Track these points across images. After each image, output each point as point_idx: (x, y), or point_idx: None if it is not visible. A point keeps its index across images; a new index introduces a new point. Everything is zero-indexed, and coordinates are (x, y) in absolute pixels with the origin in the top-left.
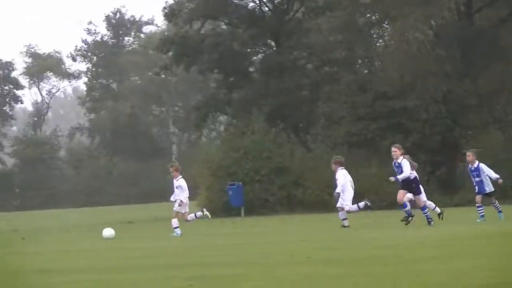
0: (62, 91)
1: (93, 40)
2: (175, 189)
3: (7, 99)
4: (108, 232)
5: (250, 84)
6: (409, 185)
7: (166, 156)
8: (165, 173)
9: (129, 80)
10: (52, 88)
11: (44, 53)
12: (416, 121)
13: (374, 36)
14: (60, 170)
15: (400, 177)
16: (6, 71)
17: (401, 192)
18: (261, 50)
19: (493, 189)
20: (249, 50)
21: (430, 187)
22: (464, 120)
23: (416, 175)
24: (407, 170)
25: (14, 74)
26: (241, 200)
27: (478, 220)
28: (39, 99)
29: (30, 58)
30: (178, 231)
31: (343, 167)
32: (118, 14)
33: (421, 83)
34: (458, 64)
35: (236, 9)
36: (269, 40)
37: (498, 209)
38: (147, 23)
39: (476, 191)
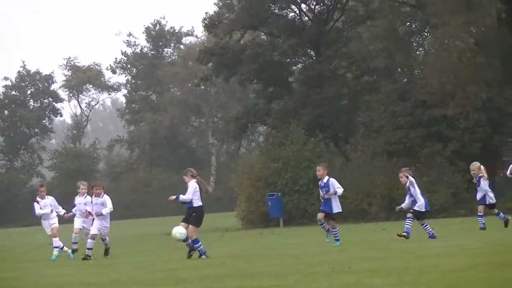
0: (101, 104)
1: (133, 52)
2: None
3: (47, 112)
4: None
5: (290, 94)
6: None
7: (205, 167)
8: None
9: (168, 91)
10: (92, 100)
11: (83, 66)
12: (456, 129)
13: (414, 44)
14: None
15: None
16: (45, 84)
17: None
18: (301, 60)
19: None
20: (288, 60)
21: (470, 195)
22: (504, 128)
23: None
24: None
25: (53, 87)
26: (280, 210)
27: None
28: (78, 111)
29: (70, 71)
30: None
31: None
32: (157, 25)
33: (461, 91)
34: (498, 72)
35: (276, 19)
36: (309, 50)
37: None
38: (187, 34)
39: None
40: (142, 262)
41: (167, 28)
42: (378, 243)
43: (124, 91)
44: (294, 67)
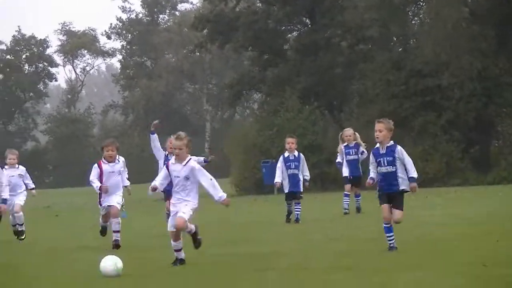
0: (96, 69)
1: (128, 18)
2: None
3: (42, 77)
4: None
5: (284, 62)
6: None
7: (200, 134)
8: (199, 150)
9: (163, 58)
10: (86, 66)
11: (78, 31)
12: (450, 99)
13: (410, 14)
14: (94, 147)
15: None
16: (40, 48)
17: None
18: (296, 28)
19: None
20: (283, 28)
21: (464, 165)
22: (499, 98)
23: None
24: None
25: (48, 51)
26: (274, 178)
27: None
28: (73, 76)
29: (65, 36)
30: None
31: None
32: None
33: (456, 61)
34: (493, 41)
35: None
36: (304, 18)
37: None
38: (182, 1)
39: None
40: (131, 228)
41: None
42: (371, 213)
43: (119, 57)
44: (289, 35)
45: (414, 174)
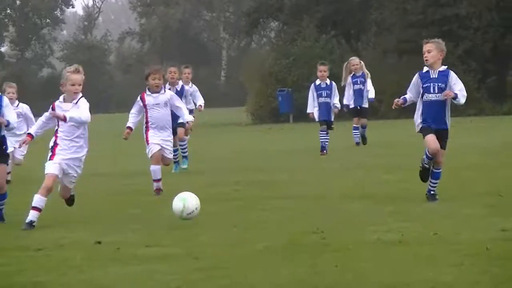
0: None
1: None
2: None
3: (58, 3)
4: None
5: None
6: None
7: (216, 62)
8: (215, 78)
9: None
10: None
11: None
12: (468, 28)
13: None
14: (110, 74)
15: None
16: None
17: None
18: None
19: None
20: None
21: (480, 95)
22: None
23: None
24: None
25: None
26: (290, 106)
27: None
28: (90, 3)
29: None
30: None
31: None
32: None
33: None
34: None
35: None
36: None
37: None
38: None
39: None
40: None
41: None
42: (386, 142)
43: None
44: None
45: (460, 96)
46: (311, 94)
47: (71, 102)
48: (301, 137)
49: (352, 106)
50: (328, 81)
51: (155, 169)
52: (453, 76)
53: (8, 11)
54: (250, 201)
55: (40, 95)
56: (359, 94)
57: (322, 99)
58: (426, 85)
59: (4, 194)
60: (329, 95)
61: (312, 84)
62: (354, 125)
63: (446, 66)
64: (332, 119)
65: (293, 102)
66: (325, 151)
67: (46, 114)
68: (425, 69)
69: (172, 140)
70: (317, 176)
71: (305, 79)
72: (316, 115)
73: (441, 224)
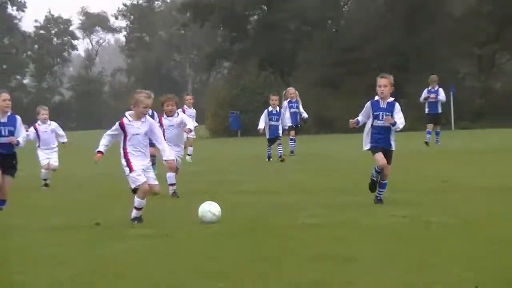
0: (107, 42)
1: (131, 3)
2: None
3: (66, 47)
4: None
5: (247, 38)
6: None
7: (184, 92)
8: (181, 103)
9: (157, 34)
10: (100, 39)
11: (94, 12)
12: (371, 68)
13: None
14: (105, 102)
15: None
16: (65, 25)
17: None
18: (257, 13)
19: None
20: (247, 12)
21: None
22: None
23: None
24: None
25: (71, 28)
26: (238, 125)
27: None
28: (90, 47)
29: (84, 16)
30: None
31: None
32: None
33: (375, 38)
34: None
35: None
36: (263, 5)
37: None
38: None
39: None
40: None
41: None
42: (311, 153)
43: (124, 33)
44: (251, 18)
45: (399, 124)
46: (264, 117)
47: (139, 120)
48: (247, 147)
49: (289, 124)
50: (278, 108)
51: (170, 176)
52: (397, 107)
53: (29, 53)
54: (212, 195)
55: (51, 117)
56: (294, 116)
57: (272, 122)
58: (377, 113)
59: (4, 200)
60: (277, 120)
61: (266, 110)
62: (291, 137)
63: (394, 98)
64: (280, 135)
65: (241, 121)
66: (270, 159)
67: (111, 130)
68: (376, 98)
69: (181, 148)
70: (261, 176)
71: (250, 104)
72: (267, 134)
73: (351, 212)
